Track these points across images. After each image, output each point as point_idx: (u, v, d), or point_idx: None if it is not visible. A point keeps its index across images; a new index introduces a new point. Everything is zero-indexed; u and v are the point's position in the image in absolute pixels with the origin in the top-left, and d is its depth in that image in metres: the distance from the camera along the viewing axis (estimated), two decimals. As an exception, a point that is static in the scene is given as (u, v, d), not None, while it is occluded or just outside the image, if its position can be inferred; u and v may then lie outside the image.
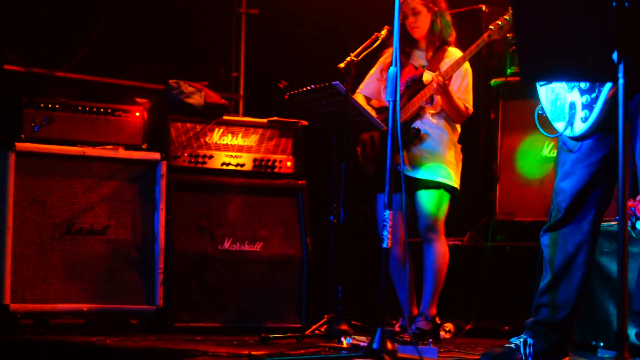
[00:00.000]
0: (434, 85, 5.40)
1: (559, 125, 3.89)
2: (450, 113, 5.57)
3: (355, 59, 5.42)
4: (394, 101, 3.77)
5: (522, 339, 4.01)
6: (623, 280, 3.04)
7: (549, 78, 3.72)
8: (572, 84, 3.81)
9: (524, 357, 3.96)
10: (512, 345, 3.99)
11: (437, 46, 5.63)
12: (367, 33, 5.62)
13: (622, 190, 3.08)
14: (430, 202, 5.54)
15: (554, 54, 3.26)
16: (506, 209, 6.29)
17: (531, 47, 3.30)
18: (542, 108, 4.00)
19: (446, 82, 5.40)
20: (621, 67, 3.07)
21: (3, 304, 5.36)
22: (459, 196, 5.66)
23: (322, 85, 5.34)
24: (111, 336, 5.14)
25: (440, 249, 5.59)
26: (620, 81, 3.08)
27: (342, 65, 5.38)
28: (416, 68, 5.62)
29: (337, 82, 5.30)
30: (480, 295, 6.03)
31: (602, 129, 3.81)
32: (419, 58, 5.67)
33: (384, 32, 5.53)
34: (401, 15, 5.61)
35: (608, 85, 3.67)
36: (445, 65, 5.53)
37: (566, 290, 4.00)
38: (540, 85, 4.01)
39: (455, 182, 5.59)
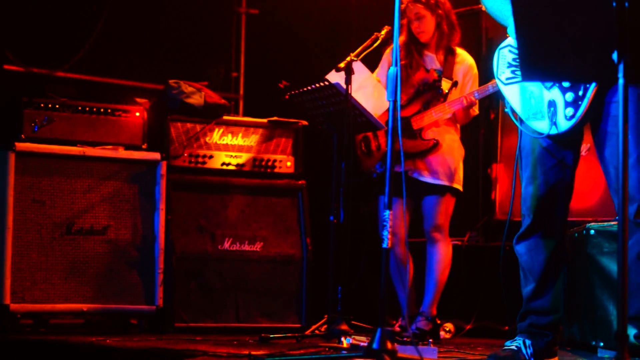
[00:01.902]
0: (464, 102, 5.45)
1: (537, 125, 3.90)
2: (462, 120, 5.61)
3: (355, 59, 5.42)
4: (394, 101, 3.76)
5: (520, 341, 4.03)
6: (623, 280, 3.04)
7: (550, 78, 3.72)
8: (551, 82, 3.84)
9: (527, 357, 3.97)
10: (514, 347, 4.00)
11: (446, 48, 5.63)
12: (367, 33, 5.62)
13: (622, 190, 3.08)
14: (439, 205, 5.57)
15: (554, 53, 3.26)
16: (506, 209, 6.29)
17: (532, 47, 3.30)
18: (510, 108, 4.00)
19: (472, 99, 5.46)
20: (621, 67, 3.07)
21: (3, 304, 5.36)
22: (459, 196, 5.68)
23: (322, 85, 5.33)
24: (111, 336, 5.14)
25: (445, 249, 5.60)
26: (620, 81, 3.08)
27: (342, 65, 5.37)
28: (427, 71, 5.61)
29: (338, 82, 5.29)
30: (480, 295, 6.03)
31: (576, 129, 3.85)
32: (430, 61, 5.67)
33: (384, 32, 5.53)
34: (406, 20, 5.61)
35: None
36: (458, 71, 5.58)
37: (554, 295, 4.04)
38: (505, 85, 4.01)
39: (460, 184, 5.62)
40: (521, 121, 3.97)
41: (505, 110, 4.05)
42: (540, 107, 3.89)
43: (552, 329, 4.05)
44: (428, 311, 5.60)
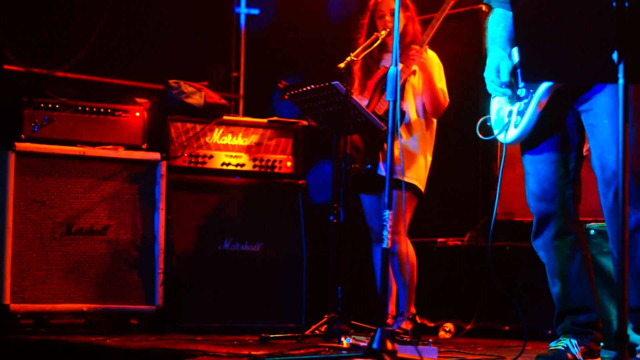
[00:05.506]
0: (412, 52, 5.38)
1: (497, 131, 4.05)
2: (429, 98, 5.52)
3: (355, 59, 5.41)
4: (394, 101, 3.77)
5: (566, 340, 3.98)
6: (623, 281, 3.04)
7: (550, 78, 3.72)
8: (513, 95, 3.95)
9: (575, 356, 3.95)
10: (561, 347, 3.96)
11: (405, 45, 5.60)
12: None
13: (622, 190, 3.07)
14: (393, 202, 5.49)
15: (555, 54, 3.26)
16: (506, 209, 6.29)
17: (532, 47, 3.30)
18: (488, 118, 4.11)
19: (422, 49, 5.40)
20: (621, 67, 3.07)
21: (3, 304, 5.36)
22: (459, 197, 5.64)
23: (322, 85, 5.33)
24: (111, 336, 5.14)
25: (404, 249, 5.46)
26: (620, 81, 3.08)
27: (342, 65, 5.37)
28: (386, 67, 5.61)
29: (337, 82, 5.29)
30: (480, 295, 6.03)
31: (539, 132, 3.90)
32: (390, 60, 5.63)
33: (384, 33, 5.53)
34: (367, 19, 5.63)
35: (540, 92, 3.82)
36: (412, 56, 5.50)
37: (580, 294, 4.01)
38: (493, 98, 4.11)
39: (418, 183, 5.54)
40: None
41: (484, 118, 4.14)
42: (504, 117, 4.03)
43: (591, 326, 4.02)
44: (407, 311, 5.58)
